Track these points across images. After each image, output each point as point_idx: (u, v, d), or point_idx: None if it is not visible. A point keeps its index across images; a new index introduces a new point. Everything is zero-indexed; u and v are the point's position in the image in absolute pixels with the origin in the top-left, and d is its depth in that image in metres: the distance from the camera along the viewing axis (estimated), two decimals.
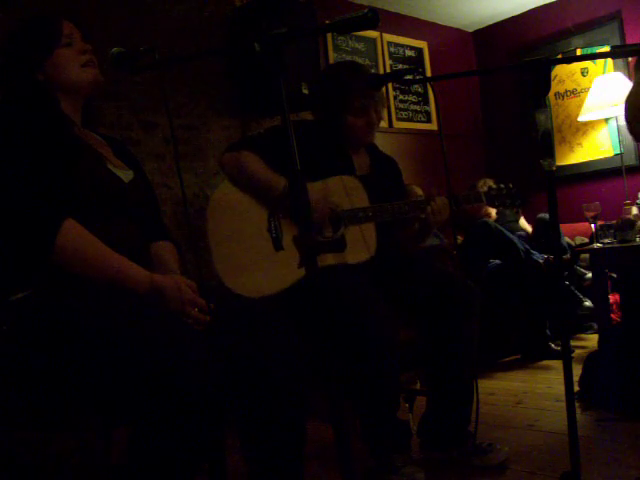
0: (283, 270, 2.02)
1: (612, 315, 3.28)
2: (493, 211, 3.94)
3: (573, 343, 3.68)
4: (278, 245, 2.05)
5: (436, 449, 2.12)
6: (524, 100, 4.76)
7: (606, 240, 2.91)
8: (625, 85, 4.01)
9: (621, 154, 4.25)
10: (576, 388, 2.53)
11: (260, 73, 3.11)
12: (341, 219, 2.09)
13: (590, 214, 2.90)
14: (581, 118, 4.35)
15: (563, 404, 1.33)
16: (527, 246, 3.65)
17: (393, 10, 4.51)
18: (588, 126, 4.56)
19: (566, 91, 4.69)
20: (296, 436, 1.52)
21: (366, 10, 1.11)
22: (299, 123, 2.31)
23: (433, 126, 4.72)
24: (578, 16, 4.57)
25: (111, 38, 2.84)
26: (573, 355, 3.37)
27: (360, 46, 4.29)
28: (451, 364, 2.06)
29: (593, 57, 3.57)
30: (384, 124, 4.13)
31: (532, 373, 3.31)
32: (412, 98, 4.62)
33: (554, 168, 1.35)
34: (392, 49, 4.51)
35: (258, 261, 2.02)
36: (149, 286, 1.39)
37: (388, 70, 4.42)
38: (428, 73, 4.68)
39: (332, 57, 4.10)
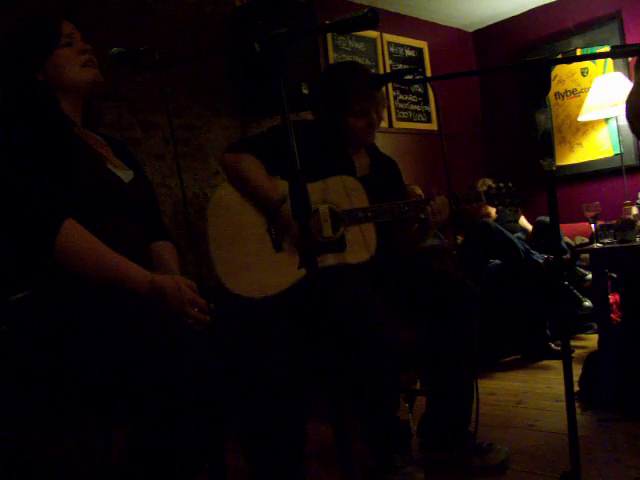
0: (283, 271, 2.02)
1: (612, 315, 3.28)
2: (493, 210, 3.94)
3: (573, 343, 3.68)
4: (278, 246, 2.05)
5: (436, 449, 2.12)
6: (524, 100, 4.76)
7: (606, 240, 2.90)
8: (625, 85, 4.01)
9: (621, 154, 4.25)
10: (576, 388, 2.53)
11: (260, 73, 3.11)
12: (341, 219, 2.09)
13: (590, 214, 2.90)
14: (581, 118, 4.35)
15: (563, 404, 1.33)
16: (527, 246, 3.65)
17: (393, 10, 4.51)
18: (588, 126, 4.56)
19: (566, 91, 4.69)
20: (296, 436, 1.52)
21: (366, 10, 1.11)
22: (299, 123, 2.31)
23: (433, 126, 4.72)
24: (578, 16, 4.57)
25: (111, 38, 2.84)
26: (573, 355, 3.37)
27: (360, 46, 4.29)
28: (451, 364, 2.06)
29: (593, 57, 3.57)
30: (384, 124, 4.13)
31: (532, 373, 3.31)
32: (412, 98, 4.62)
33: (554, 168, 1.35)
34: (392, 49, 4.51)
35: (258, 262, 2.02)
36: (149, 286, 1.39)
37: (388, 70, 4.41)
38: (428, 73, 4.68)
39: (332, 57, 4.10)
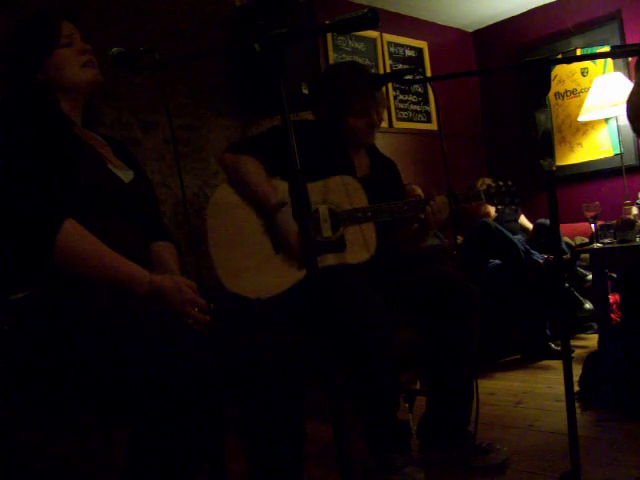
0: (283, 272, 2.02)
1: (612, 315, 3.28)
2: (492, 210, 3.94)
3: (573, 343, 3.68)
4: (278, 247, 2.05)
5: (436, 449, 2.12)
6: (524, 100, 4.77)
7: (606, 240, 2.90)
8: (625, 85, 4.01)
9: (621, 154, 4.25)
10: (576, 388, 2.53)
11: (260, 73, 3.11)
12: (340, 219, 2.09)
13: (590, 214, 2.90)
14: (581, 118, 4.35)
15: (563, 404, 1.33)
16: (527, 246, 3.65)
17: (393, 10, 4.51)
18: (588, 126, 4.56)
19: (566, 91, 4.69)
20: (296, 436, 1.52)
21: (366, 10, 1.11)
22: (299, 123, 2.31)
23: (433, 126, 4.72)
24: (578, 16, 4.57)
25: (111, 38, 2.84)
26: (573, 355, 3.37)
27: (360, 46, 4.29)
28: (451, 364, 2.06)
29: (593, 57, 3.56)
30: (384, 124, 4.13)
31: (532, 373, 3.31)
32: (412, 98, 4.62)
33: (554, 168, 1.35)
34: (392, 49, 4.51)
35: (258, 263, 2.02)
36: (149, 286, 1.39)
37: (388, 70, 4.41)
38: (428, 73, 4.68)
39: (332, 57, 4.10)
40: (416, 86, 4.62)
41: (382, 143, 3.45)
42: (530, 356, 3.59)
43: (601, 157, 4.52)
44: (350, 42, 4.23)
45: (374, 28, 1.14)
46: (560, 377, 1.37)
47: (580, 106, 4.36)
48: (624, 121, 4.03)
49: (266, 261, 2.03)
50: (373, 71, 4.15)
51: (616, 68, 4.35)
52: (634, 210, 2.99)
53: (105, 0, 2.94)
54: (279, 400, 1.45)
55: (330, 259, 2.07)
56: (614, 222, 2.88)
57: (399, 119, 4.50)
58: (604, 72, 4.40)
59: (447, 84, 4.61)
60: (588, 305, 3.64)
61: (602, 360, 2.54)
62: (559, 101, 4.72)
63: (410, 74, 1.82)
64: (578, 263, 3.71)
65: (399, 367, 1.97)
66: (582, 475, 1.31)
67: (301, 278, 2.01)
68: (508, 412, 2.63)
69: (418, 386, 2.55)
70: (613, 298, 3.46)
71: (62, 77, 1.51)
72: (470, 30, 5.19)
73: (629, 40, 4.32)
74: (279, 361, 1.44)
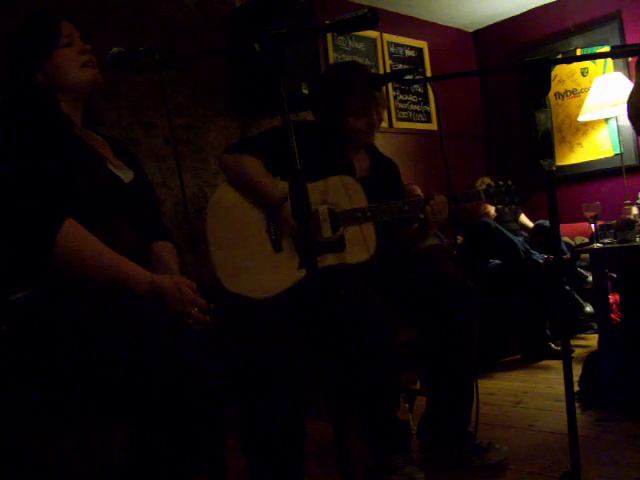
0: (283, 271, 2.02)
1: (612, 315, 3.28)
2: (492, 209, 3.94)
3: (573, 343, 3.68)
4: (277, 246, 2.05)
5: (436, 449, 2.12)
6: (524, 100, 4.77)
7: (606, 240, 2.91)
8: (625, 85, 4.01)
9: (621, 154, 4.25)
10: (576, 388, 2.53)
11: (260, 73, 3.11)
12: (340, 219, 2.09)
13: (590, 214, 2.90)
14: (581, 118, 4.35)
15: (563, 404, 1.33)
16: (527, 246, 3.65)
17: (393, 10, 4.51)
18: (588, 126, 4.56)
19: (566, 91, 4.69)
20: (296, 436, 1.52)
21: (366, 10, 1.11)
22: (299, 123, 2.31)
23: (433, 126, 4.72)
24: (578, 16, 4.57)
25: (111, 38, 2.84)
26: (573, 355, 3.37)
27: (360, 46, 4.29)
28: (451, 364, 2.06)
29: (593, 57, 3.56)
30: (384, 124, 4.12)
31: (532, 373, 3.30)
32: (412, 98, 4.62)
33: (554, 168, 1.35)
34: (392, 49, 4.51)
35: (257, 263, 2.02)
36: (149, 286, 1.39)
37: (388, 70, 4.42)
38: (428, 73, 4.68)
39: (332, 57, 4.10)
40: (416, 86, 4.62)
41: (382, 143, 3.45)
42: (530, 356, 3.59)
43: (601, 157, 4.52)
44: (350, 42, 4.23)
45: (374, 28, 1.14)
46: (560, 377, 1.37)
47: (580, 106, 4.36)
48: (624, 121, 4.04)
49: (266, 261, 2.03)
50: (373, 71, 4.15)
51: (616, 68, 4.35)
52: (634, 210, 2.99)
53: (105, 0, 2.94)
54: (279, 400, 1.45)
55: (330, 259, 2.07)
56: (614, 222, 2.88)
57: (399, 119, 4.50)
58: (604, 72, 4.40)
59: (447, 84, 4.61)
60: (589, 308, 3.64)
61: (602, 360, 2.54)
62: (559, 101, 4.72)
63: (410, 74, 1.82)
64: (578, 263, 3.71)
65: (399, 367, 1.97)
66: (582, 475, 1.31)
67: (301, 278, 2.01)
68: (508, 412, 2.63)
69: (418, 386, 2.55)
70: (613, 298, 3.46)
71: (62, 77, 1.51)
72: (470, 30, 5.19)
73: (629, 40, 4.32)
74: (279, 361, 1.44)
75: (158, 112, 3.05)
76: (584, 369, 2.60)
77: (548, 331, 3.62)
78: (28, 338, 1.31)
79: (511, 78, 4.88)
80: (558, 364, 3.34)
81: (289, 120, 1.10)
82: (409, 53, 4.64)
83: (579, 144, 4.64)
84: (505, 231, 3.63)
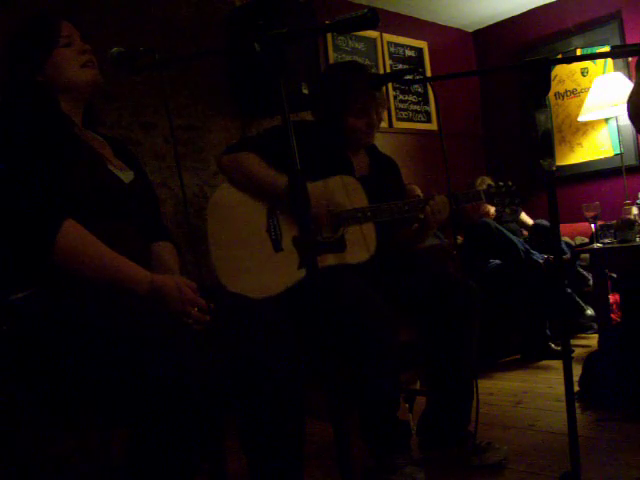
0: (283, 271, 2.02)
1: (612, 315, 3.28)
2: (492, 209, 3.94)
3: (573, 343, 3.68)
4: (277, 246, 2.05)
5: (435, 448, 2.12)
6: (524, 100, 4.77)
7: (606, 240, 2.91)
8: (625, 85, 4.01)
9: (621, 154, 4.25)
10: (576, 388, 2.53)
11: (260, 73, 3.11)
12: (340, 219, 2.09)
13: (590, 214, 2.90)
14: (581, 118, 4.35)
15: (563, 404, 1.33)
16: (527, 246, 3.65)
17: (393, 10, 4.51)
18: (588, 126, 4.56)
19: (566, 91, 4.69)
20: (296, 436, 1.52)
21: (366, 10, 1.11)
22: (299, 123, 2.31)
23: (433, 126, 4.72)
24: (578, 16, 4.58)
25: (111, 38, 2.85)
26: (573, 355, 3.36)
27: (360, 46, 4.29)
28: (451, 364, 2.06)
29: (593, 57, 3.57)
30: (384, 124, 4.13)
31: (532, 373, 3.31)
32: (412, 98, 4.62)
33: (554, 168, 1.35)
34: (392, 49, 4.51)
35: (258, 263, 2.02)
36: (149, 286, 1.39)
37: (388, 70, 4.42)
38: (428, 73, 4.68)
39: (332, 57, 4.10)
40: (416, 86, 4.62)
41: (382, 143, 3.46)
42: (530, 356, 3.59)
43: (601, 157, 4.52)
44: (350, 42, 4.23)
45: (374, 28, 1.14)
46: (560, 377, 1.37)
47: (580, 106, 4.36)
48: (624, 121, 4.04)
49: (266, 261, 2.03)
50: (373, 71, 4.15)
51: (616, 68, 4.35)
52: (634, 210, 2.99)
53: (105, 0, 2.94)
54: (279, 400, 1.45)
55: (330, 259, 2.07)
56: (614, 222, 2.88)
57: (399, 119, 4.50)
58: (604, 72, 4.40)
59: (447, 84, 4.61)
60: (590, 311, 3.64)
61: (602, 360, 2.54)
62: (559, 101, 4.72)
63: (410, 74, 1.82)
64: (579, 264, 3.71)
65: (399, 367, 1.97)
66: (582, 475, 1.31)
67: (301, 278, 2.01)
68: (508, 412, 2.63)
69: (418, 386, 2.55)
70: (613, 298, 3.46)
71: (62, 77, 1.51)
72: (470, 30, 5.19)
73: (629, 40, 4.32)
74: (279, 361, 1.44)
75: (158, 112, 3.05)
76: (584, 369, 2.60)
77: (548, 331, 3.62)
78: (28, 338, 1.31)
79: (511, 78, 4.88)
80: (558, 364, 3.34)
81: (289, 120, 1.10)
82: (409, 53, 4.64)
83: (579, 144, 4.64)
84: (505, 231, 3.63)
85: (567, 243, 3.90)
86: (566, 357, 1.36)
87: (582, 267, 3.75)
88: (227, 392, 1.26)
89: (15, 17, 2.39)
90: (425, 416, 2.18)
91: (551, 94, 4.67)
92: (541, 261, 3.56)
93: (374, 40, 4.38)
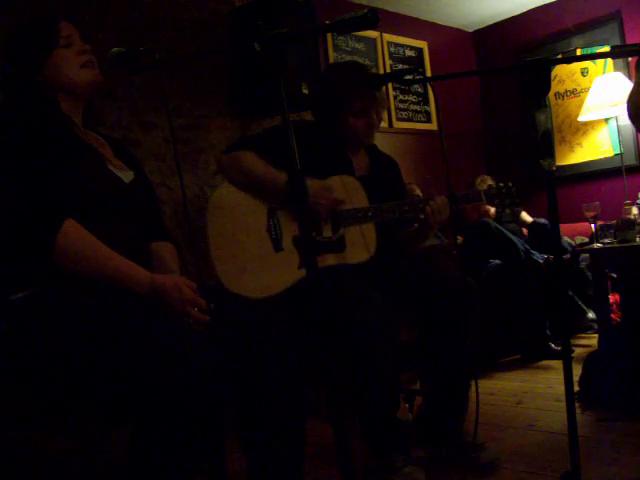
0: (283, 271, 2.02)
1: (612, 315, 3.28)
2: (492, 209, 3.94)
3: (573, 343, 3.68)
4: (278, 246, 2.05)
5: (429, 445, 2.12)
6: (524, 100, 4.76)
7: (606, 240, 2.91)
8: (625, 85, 4.01)
9: (621, 154, 4.24)
10: (576, 388, 2.53)
11: (260, 73, 3.11)
12: (341, 219, 2.09)
13: (590, 214, 2.90)
14: (581, 118, 4.35)
15: (563, 404, 1.33)
16: (527, 246, 3.65)
17: (393, 10, 4.51)
18: (588, 126, 4.56)
19: (566, 91, 4.69)
20: (296, 436, 1.52)
21: (366, 10, 1.11)
22: (299, 123, 2.31)
23: (433, 126, 4.72)
24: (578, 16, 4.57)
25: (111, 38, 2.85)
26: (573, 355, 3.36)
27: (360, 46, 4.29)
28: (449, 363, 2.05)
29: (593, 57, 3.57)
30: (384, 124, 4.13)
31: (532, 373, 3.30)
32: (412, 98, 4.62)
33: (554, 168, 1.35)
34: (392, 49, 4.51)
35: (258, 262, 2.02)
36: (149, 286, 1.39)
37: (388, 70, 4.41)
38: (428, 73, 4.68)
39: (332, 57, 4.10)
40: (416, 86, 4.62)
41: (382, 143, 3.45)
42: (530, 356, 3.59)
43: (601, 157, 4.52)
44: (350, 42, 4.23)
45: (374, 28, 1.14)
46: (560, 377, 1.37)
47: (580, 106, 4.35)
48: (624, 121, 4.04)
49: (266, 260, 2.03)
50: (373, 71, 4.15)
51: (616, 68, 4.34)
52: (634, 210, 2.99)
53: (105, 0, 2.94)
54: (279, 400, 1.45)
55: (330, 259, 2.07)
56: (614, 222, 2.88)
57: (399, 119, 4.50)
58: (604, 72, 4.40)
59: (447, 84, 4.61)
60: (591, 315, 3.64)
61: (602, 360, 2.54)
62: (559, 101, 4.72)
63: (410, 74, 1.82)
64: (584, 264, 3.70)
65: (399, 367, 1.97)
66: (582, 475, 1.31)
67: (301, 277, 2.01)
68: (508, 412, 2.63)
69: (418, 386, 2.55)
70: (613, 298, 3.45)
71: (61, 78, 1.51)
72: (470, 30, 5.19)
73: (629, 40, 4.32)
74: (279, 361, 1.44)
75: (158, 112, 3.05)
76: (584, 369, 2.60)
77: (548, 331, 3.62)
78: (28, 338, 1.31)
79: (511, 78, 4.88)
80: (558, 364, 3.34)
81: (289, 120, 1.10)
82: (409, 53, 4.64)
83: (579, 144, 4.64)
84: (505, 231, 3.63)
85: (568, 243, 3.90)
86: (566, 357, 1.36)
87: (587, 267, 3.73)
88: (227, 392, 1.26)
89: (15, 17, 2.39)
90: (420, 413, 2.18)
91: (551, 94, 4.67)
92: (541, 261, 3.55)
93: (374, 40, 4.38)
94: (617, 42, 4.33)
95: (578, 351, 3.48)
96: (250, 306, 1.61)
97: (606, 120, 4.43)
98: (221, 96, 3.34)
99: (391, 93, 4.46)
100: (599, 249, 2.81)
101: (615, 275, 3.37)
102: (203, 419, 1.19)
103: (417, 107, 4.65)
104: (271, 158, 2.04)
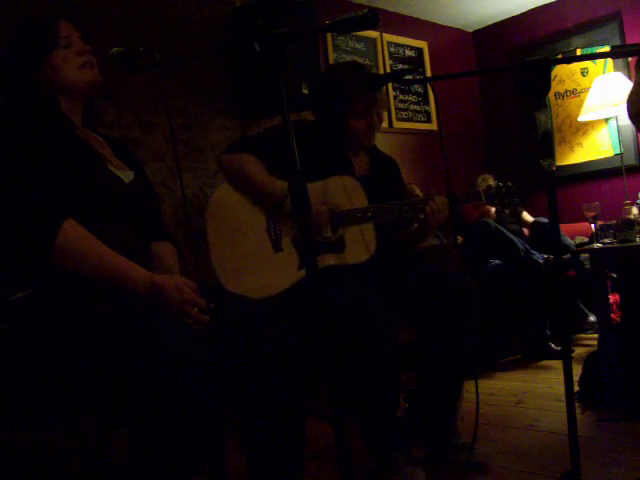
0: (283, 271, 2.02)
1: (612, 315, 3.27)
2: (492, 209, 3.94)
3: (573, 343, 3.68)
4: (277, 246, 2.05)
5: (419, 442, 2.12)
6: (524, 100, 4.76)
7: (606, 240, 2.91)
8: (625, 85, 4.01)
9: (621, 154, 4.25)
10: (576, 388, 2.53)
11: (260, 73, 3.11)
12: (340, 219, 2.09)
13: (590, 214, 2.90)
14: (581, 118, 4.35)
15: (563, 404, 1.33)
16: (527, 246, 3.65)
17: (393, 10, 4.51)
18: (588, 126, 4.56)
19: (566, 91, 4.69)
20: (296, 436, 1.52)
21: (366, 10, 1.11)
22: (299, 123, 2.31)
23: (433, 126, 4.72)
24: (578, 16, 4.57)
25: (111, 38, 2.84)
26: (573, 355, 3.36)
27: (360, 46, 4.29)
28: (444, 362, 2.06)
29: (593, 57, 3.57)
30: (384, 124, 4.12)
31: (532, 373, 3.31)
32: (412, 98, 4.62)
33: (554, 168, 1.35)
34: (392, 49, 4.51)
35: (257, 263, 2.02)
36: (149, 286, 1.39)
37: (388, 70, 4.42)
38: (428, 73, 4.68)
39: (332, 57, 4.10)
40: (416, 86, 4.62)
41: (382, 143, 3.45)
42: (530, 356, 3.59)
43: (601, 157, 4.52)
44: (350, 42, 4.23)
45: (374, 28, 1.14)
46: (560, 377, 1.37)
47: (580, 106, 4.36)
48: (624, 121, 4.04)
49: (266, 261, 2.03)
50: (373, 71, 4.14)
51: (616, 68, 4.35)
52: (634, 210, 2.99)
53: (105, 0, 2.94)
54: (279, 400, 1.45)
55: (330, 259, 2.07)
56: (614, 222, 2.88)
57: (399, 119, 4.50)
58: (604, 72, 4.40)
59: (447, 84, 4.61)
60: (592, 318, 3.64)
61: (602, 360, 2.54)
62: (559, 101, 4.72)
63: (410, 74, 1.82)
64: (579, 263, 3.70)
65: (399, 367, 1.97)
66: (582, 475, 1.31)
67: (301, 278, 2.01)
68: (508, 412, 2.63)
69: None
70: (613, 298, 3.45)
71: (60, 78, 1.51)
72: (470, 30, 5.19)
73: (629, 40, 4.32)
74: (279, 361, 1.44)
75: (158, 112, 3.05)
76: (584, 369, 2.60)
77: (548, 331, 3.62)
78: (28, 338, 1.31)
79: (511, 78, 4.88)
80: (558, 364, 3.34)
81: (289, 120, 1.10)
82: (409, 53, 4.64)
83: (579, 144, 4.64)
84: (505, 231, 3.63)
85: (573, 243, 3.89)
86: (566, 357, 1.36)
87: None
88: (227, 392, 1.26)
89: (15, 17, 2.39)
90: (411, 411, 2.18)
91: (551, 94, 4.67)
92: (541, 261, 3.55)
93: (374, 40, 4.38)
94: (617, 42, 4.33)
95: (578, 351, 3.48)
96: (250, 306, 1.61)
97: (606, 120, 4.43)
98: (221, 96, 3.34)
99: (391, 93, 4.46)
100: (599, 249, 2.81)
101: (615, 275, 3.37)
102: (203, 419, 1.19)
103: (417, 107, 4.65)
104: (271, 160, 2.04)
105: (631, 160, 4.36)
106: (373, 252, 2.11)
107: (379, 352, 1.86)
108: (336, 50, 4.13)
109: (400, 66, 4.51)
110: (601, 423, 2.32)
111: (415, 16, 4.71)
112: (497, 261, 3.62)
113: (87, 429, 1.37)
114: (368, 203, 2.12)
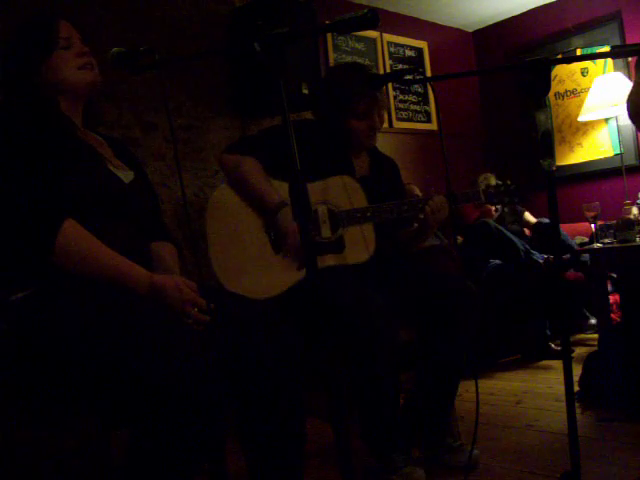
0: (282, 272, 2.02)
1: (612, 315, 3.28)
2: (493, 209, 3.94)
3: (573, 343, 3.68)
4: (277, 247, 2.05)
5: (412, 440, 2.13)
6: (524, 100, 4.76)
7: (606, 240, 2.91)
8: (625, 85, 4.01)
9: (621, 154, 4.25)
10: (576, 388, 2.53)
11: (260, 73, 3.11)
12: (340, 220, 2.09)
13: (590, 214, 2.90)
14: (581, 118, 4.35)
15: (563, 404, 1.33)
16: (527, 246, 3.65)
17: (393, 10, 4.51)
18: (588, 126, 4.56)
19: (566, 91, 4.69)
20: (296, 436, 1.52)
21: (366, 10, 1.11)
22: (299, 123, 2.30)
23: (433, 126, 4.72)
24: (578, 16, 4.57)
25: (111, 38, 2.85)
26: (573, 355, 3.36)
27: (360, 46, 4.29)
28: (443, 362, 2.06)
29: (593, 57, 3.57)
30: (384, 124, 4.13)
31: (532, 373, 3.31)
32: (412, 98, 4.62)
33: (554, 168, 1.35)
34: (392, 49, 4.51)
35: (257, 263, 2.02)
36: (149, 286, 1.39)
37: (388, 70, 4.42)
38: (428, 73, 4.68)
39: (332, 57, 4.10)
40: (416, 86, 4.62)
41: (382, 143, 3.44)
42: (530, 356, 3.59)
43: (601, 157, 4.52)
44: (350, 42, 4.23)
45: (374, 28, 1.14)
46: (560, 377, 1.37)
47: (580, 106, 4.36)
48: (624, 121, 4.04)
49: (265, 261, 2.03)
50: (373, 71, 4.14)
51: (616, 68, 4.35)
52: (634, 210, 2.99)
53: (105, 0, 2.94)
54: (279, 400, 1.45)
55: (329, 259, 2.07)
56: (614, 222, 2.89)
57: (399, 119, 4.50)
58: (604, 72, 4.40)
59: (447, 84, 4.61)
60: (593, 320, 3.64)
61: (602, 360, 2.54)
62: (559, 101, 4.72)
63: (410, 74, 1.82)
64: (579, 264, 3.70)
65: (399, 367, 1.97)
66: (582, 475, 1.31)
67: (300, 278, 2.01)
68: (508, 412, 2.63)
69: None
70: (613, 298, 3.45)
71: (60, 79, 1.51)
72: (470, 30, 5.19)
73: (629, 40, 4.32)
74: (279, 361, 1.44)
75: (158, 112, 3.05)
76: (584, 369, 2.60)
77: (548, 331, 3.62)
78: (28, 338, 1.31)
79: (511, 78, 4.88)
80: (558, 364, 3.34)
81: (289, 120, 1.10)
82: (409, 53, 4.64)
83: (579, 144, 4.64)
84: (505, 231, 3.63)
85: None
86: (566, 357, 1.36)
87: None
88: (227, 392, 1.26)
89: (15, 17, 2.39)
90: (408, 411, 2.19)
91: (551, 94, 4.67)
92: (541, 261, 3.55)
93: (374, 40, 4.38)
94: (617, 42, 4.33)
95: (578, 351, 3.48)
96: (250, 306, 1.61)
97: (606, 120, 4.43)
98: (221, 96, 3.34)
99: (391, 93, 4.46)
100: (599, 249, 2.81)
101: (615, 275, 3.37)
102: (203, 419, 1.19)
103: (417, 107, 4.65)
104: (272, 160, 2.04)
105: (631, 160, 4.36)
106: (373, 252, 2.11)
107: (379, 352, 1.86)
108: (336, 50, 4.13)
109: (400, 66, 4.51)
110: (601, 423, 2.32)
111: (415, 16, 4.71)
112: (497, 261, 3.62)
113: (87, 429, 1.37)
114: (368, 204, 2.12)
